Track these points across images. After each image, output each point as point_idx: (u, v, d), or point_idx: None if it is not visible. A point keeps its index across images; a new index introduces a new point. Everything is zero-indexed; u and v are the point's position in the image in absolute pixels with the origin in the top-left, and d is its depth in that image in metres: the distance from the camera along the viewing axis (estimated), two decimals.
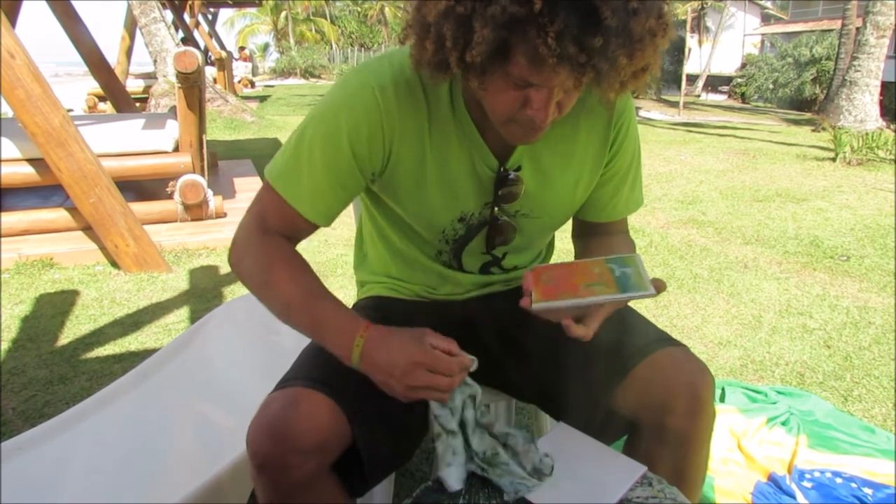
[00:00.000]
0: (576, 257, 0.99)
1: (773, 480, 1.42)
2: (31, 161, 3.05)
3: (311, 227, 0.87)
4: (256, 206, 0.88)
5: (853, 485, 1.40)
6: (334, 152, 0.82)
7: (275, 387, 0.81)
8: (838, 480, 1.41)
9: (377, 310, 0.97)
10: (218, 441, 1.30)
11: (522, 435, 0.80)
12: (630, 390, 0.85)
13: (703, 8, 18.82)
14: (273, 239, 0.85)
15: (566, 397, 0.90)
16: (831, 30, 14.34)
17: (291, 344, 1.36)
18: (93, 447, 1.30)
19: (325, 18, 32.21)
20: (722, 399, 1.75)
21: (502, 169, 0.86)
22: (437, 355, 0.75)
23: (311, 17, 32.58)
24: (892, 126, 8.62)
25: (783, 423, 1.61)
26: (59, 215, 3.18)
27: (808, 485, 1.41)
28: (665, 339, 0.89)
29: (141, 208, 3.33)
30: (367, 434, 0.78)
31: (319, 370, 0.81)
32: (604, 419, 0.87)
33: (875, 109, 8.26)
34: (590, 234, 1.01)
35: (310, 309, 0.81)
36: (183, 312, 2.46)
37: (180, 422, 1.41)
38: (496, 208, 0.89)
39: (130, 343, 2.19)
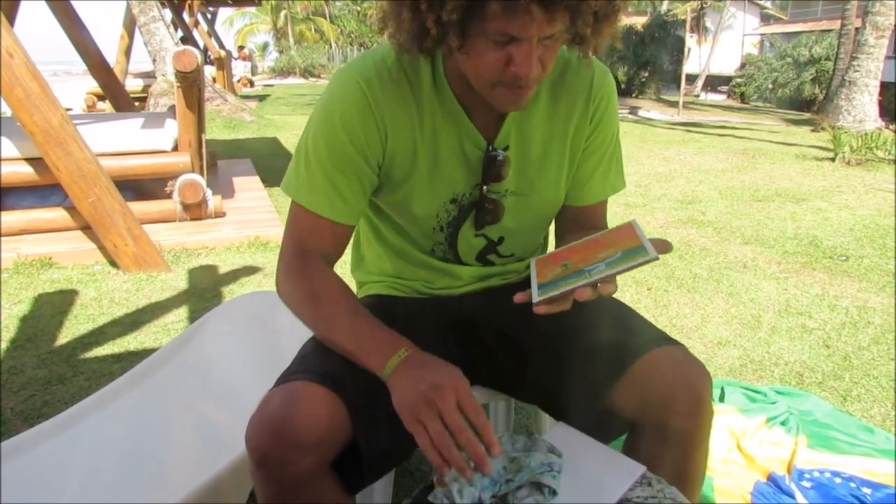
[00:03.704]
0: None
1: (773, 480, 1.42)
2: (29, 160, 3.04)
3: (342, 229, 0.89)
4: (288, 228, 0.90)
5: (852, 484, 1.40)
6: (336, 150, 0.84)
7: (275, 382, 0.81)
8: (837, 480, 1.41)
9: (377, 309, 0.97)
10: (217, 441, 1.30)
11: (522, 441, 0.80)
12: (628, 389, 0.85)
13: (702, 8, 18.83)
14: (308, 262, 0.87)
15: (565, 396, 0.90)
16: (830, 30, 14.34)
17: (290, 343, 1.36)
18: (92, 447, 1.30)
19: (325, 18, 32.17)
20: (721, 399, 1.75)
21: (490, 148, 0.88)
22: (466, 402, 0.70)
23: (311, 17, 32.54)
24: (891, 126, 8.63)
25: (782, 423, 1.61)
26: (57, 215, 3.18)
27: (807, 484, 1.41)
28: (662, 338, 0.89)
29: (140, 208, 3.32)
30: (367, 430, 0.78)
31: (320, 365, 0.81)
32: (602, 418, 0.87)
33: (874, 109, 8.27)
34: (570, 229, 1.00)
35: (352, 325, 0.82)
36: (182, 312, 2.46)
37: (179, 422, 1.40)
38: (485, 187, 0.91)
39: (129, 343, 2.18)
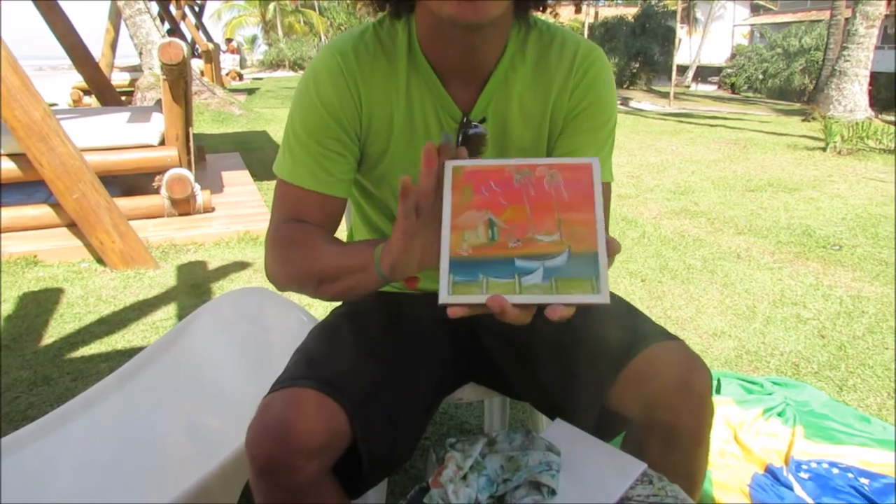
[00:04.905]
0: None
1: (771, 472, 1.41)
2: (12, 156, 2.98)
3: (329, 201, 0.86)
4: (274, 207, 0.88)
5: (850, 475, 1.39)
6: (314, 121, 0.84)
7: (271, 387, 0.78)
8: (835, 471, 1.41)
9: (370, 307, 0.94)
10: (207, 440, 1.27)
11: (520, 439, 0.78)
12: (626, 386, 0.83)
13: None
14: (288, 226, 0.85)
15: (561, 395, 0.88)
16: (820, 20, 14.41)
17: (280, 340, 1.34)
18: (79, 449, 1.27)
19: (314, 10, 31.88)
20: (718, 390, 1.74)
21: (465, 120, 0.86)
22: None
23: (300, 9, 32.24)
24: (881, 116, 8.67)
25: (779, 414, 1.61)
26: (42, 212, 3.12)
27: (804, 476, 1.40)
28: (661, 333, 0.87)
29: (127, 203, 3.27)
30: (367, 433, 0.76)
31: (318, 369, 0.79)
32: (601, 416, 0.85)
33: (864, 99, 8.30)
34: None
35: (332, 248, 0.79)
36: (170, 309, 2.42)
37: (168, 421, 1.38)
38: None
39: (117, 341, 2.15)
